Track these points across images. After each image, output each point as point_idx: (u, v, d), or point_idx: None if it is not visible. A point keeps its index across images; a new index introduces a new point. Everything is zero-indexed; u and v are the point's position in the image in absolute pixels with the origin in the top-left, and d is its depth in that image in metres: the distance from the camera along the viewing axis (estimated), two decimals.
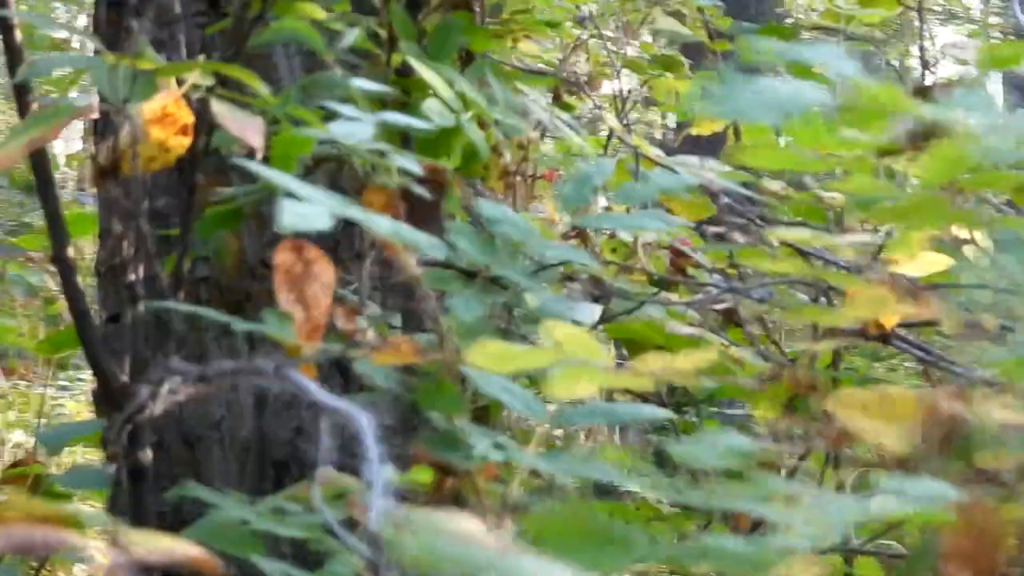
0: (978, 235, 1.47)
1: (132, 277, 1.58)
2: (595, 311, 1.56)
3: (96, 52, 1.46)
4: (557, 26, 2.97)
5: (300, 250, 1.38)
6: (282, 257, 1.38)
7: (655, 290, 1.83)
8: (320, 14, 1.62)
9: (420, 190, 1.31)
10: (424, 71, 1.61)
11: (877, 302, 1.12)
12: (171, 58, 2.26)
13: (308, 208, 1.19)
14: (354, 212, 1.22)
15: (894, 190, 1.04)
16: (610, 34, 2.87)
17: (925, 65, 3.25)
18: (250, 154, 1.51)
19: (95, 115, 1.46)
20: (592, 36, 2.94)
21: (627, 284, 1.80)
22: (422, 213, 1.32)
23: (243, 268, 2.12)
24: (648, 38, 3.01)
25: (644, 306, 1.69)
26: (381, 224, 1.23)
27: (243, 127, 1.47)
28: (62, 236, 1.62)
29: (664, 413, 1.32)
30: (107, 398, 1.60)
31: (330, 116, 1.36)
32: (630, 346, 1.79)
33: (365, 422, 1.10)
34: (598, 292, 1.64)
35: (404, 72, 1.76)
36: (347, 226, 2.12)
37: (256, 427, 2.19)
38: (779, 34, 2.89)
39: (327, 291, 1.37)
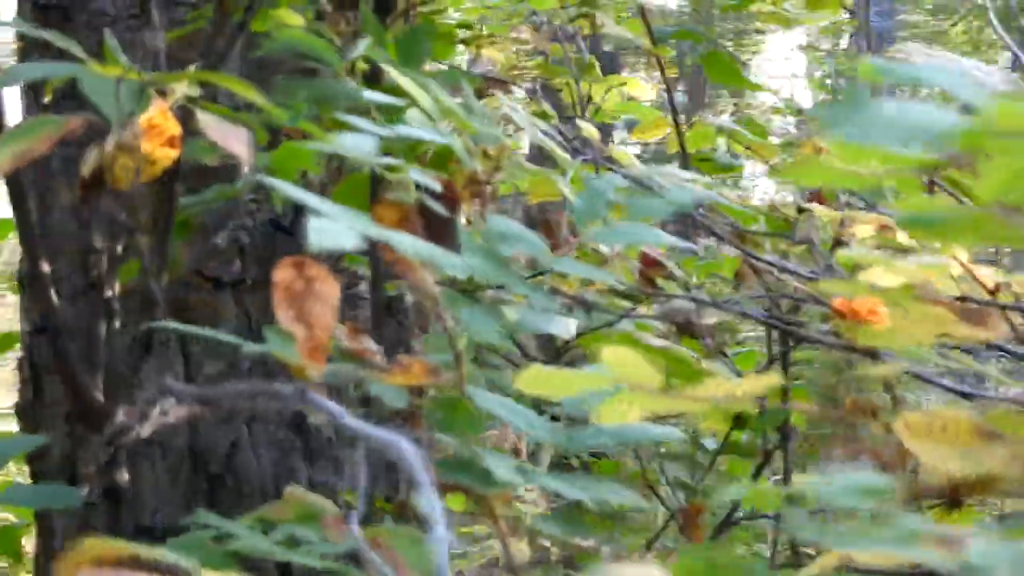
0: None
1: (109, 293, 1.52)
2: (571, 325, 1.55)
3: (79, 60, 1.41)
4: (470, 27, 2.95)
5: (301, 267, 1.34)
6: (282, 274, 1.34)
7: (626, 302, 1.82)
8: (299, 20, 1.58)
9: (436, 206, 1.28)
10: (401, 79, 1.58)
11: (935, 321, 1.12)
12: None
13: (335, 226, 1.16)
14: (378, 231, 1.18)
15: (953, 207, 1.03)
16: (527, 35, 2.85)
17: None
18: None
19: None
20: (491, 39, 2.93)
21: (595, 295, 1.78)
22: (438, 230, 1.29)
23: (178, 279, 2.07)
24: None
25: (622, 319, 1.68)
26: (404, 242, 1.19)
27: (228, 138, 1.43)
28: (36, 253, 1.56)
29: (676, 434, 1.31)
30: (83, 417, 1.54)
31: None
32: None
33: (410, 450, 1.06)
34: (575, 305, 1.62)
35: (370, 79, 1.72)
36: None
37: (190, 440, 2.14)
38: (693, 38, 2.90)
39: (331, 310, 1.33)
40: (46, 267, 1.62)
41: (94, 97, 1.32)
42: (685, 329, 1.91)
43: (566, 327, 1.50)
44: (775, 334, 1.97)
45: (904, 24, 13.28)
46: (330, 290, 1.34)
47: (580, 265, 1.33)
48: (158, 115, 1.42)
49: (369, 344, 1.33)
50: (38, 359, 2.22)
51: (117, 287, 1.54)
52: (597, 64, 3.02)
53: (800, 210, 1.83)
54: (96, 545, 0.91)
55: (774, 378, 1.03)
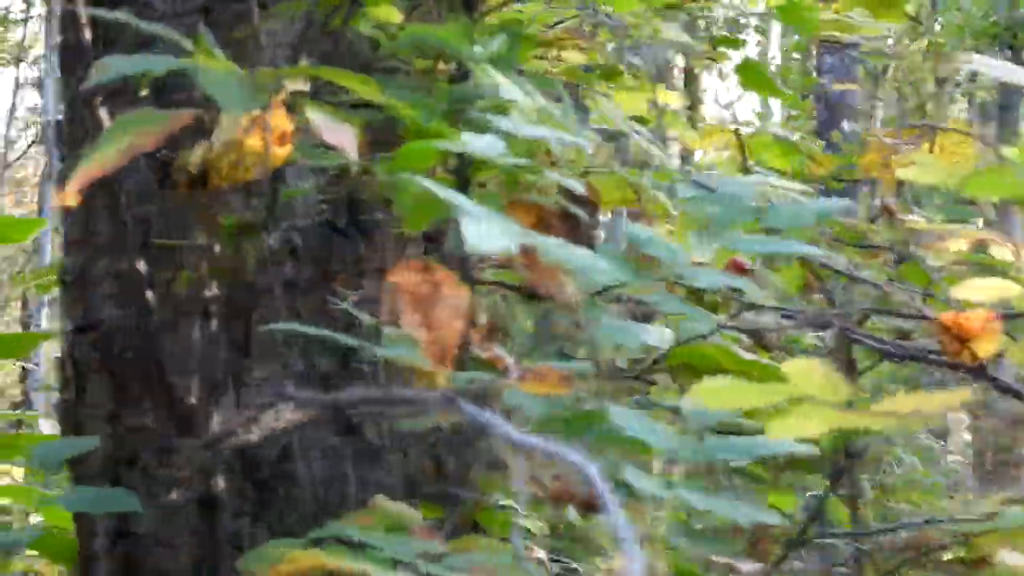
0: None
1: (207, 293, 1.47)
2: (666, 334, 1.51)
3: (185, 52, 1.36)
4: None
5: (427, 270, 1.30)
6: (406, 277, 1.30)
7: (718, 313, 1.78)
8: (397, 16, 1.53)
9: (576, 209, 1.24)
10: (502, 81, 1.53)
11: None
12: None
13: (490, 229, 1.12)
14: (528, 235, 1.14)
15: None
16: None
17: None
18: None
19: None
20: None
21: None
22: (576, 234, 1.25)
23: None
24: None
25: (716, 331, 1.64)
26: (553, 247, 1.15)
27: (336, 135, 1.38)
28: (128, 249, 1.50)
29: (806, 449, 1.27)
30: (177, 420, 1.48)
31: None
32: (686, 372, 1.72)
33: (588, 465, 1.02)
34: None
35: (455, 80, 1.68)
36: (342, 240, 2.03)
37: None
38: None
39: (458, 314, 1.29)
40: (140, 265, 1.56)
41: (213, 92, 1.27)
42: (757, 340, 1.88)
43: (661, 337, 1.47)
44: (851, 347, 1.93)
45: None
46: (458, 294, 1.30)
47: (719, 275, 1.29)
48: (265, 111, 1.38)
49: (500, 351, 1.29)
50: (80, 358, 2.17)
51: (215, 287, 1.48)
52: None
53: (886, 215, 1.80)
54: (292, 555, 0.86)
55: (965, 394, 1.00)
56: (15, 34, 15.56)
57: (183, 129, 1.38)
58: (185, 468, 1.48)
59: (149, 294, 1.83)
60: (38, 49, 15.59)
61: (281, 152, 1.37)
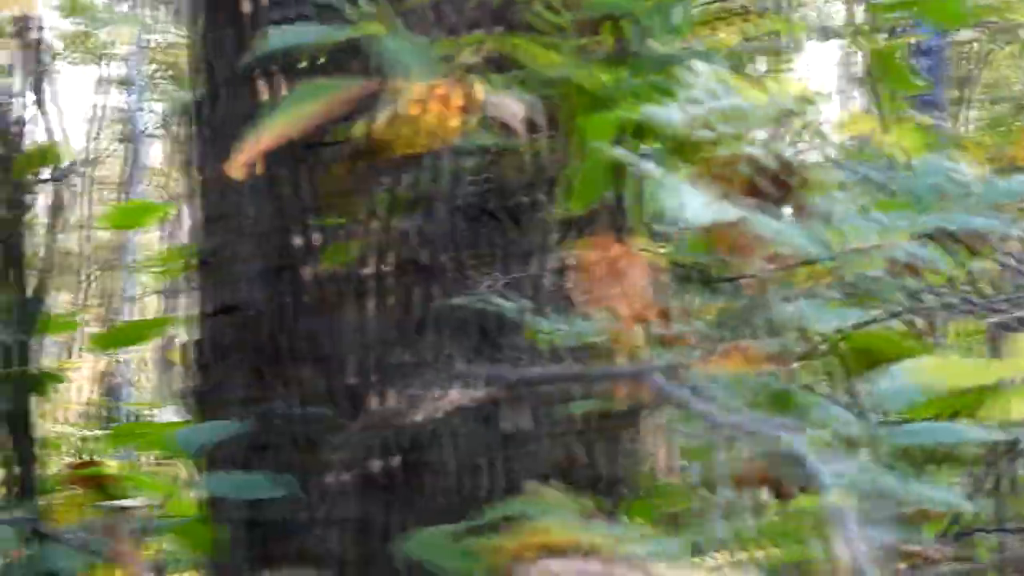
0: None
1: (368, 270, 1.43)
2: (849, 315, 1.46)
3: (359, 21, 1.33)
4: None
5: (607, 248, 1.26)
6: (586, 255, 1.26)
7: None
8: None
9: (768, 185, 1.19)
10: (679, 52, 1.49)
11: None
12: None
13: (691, 200, 1.08)
14: (734, 208, 1.10)
15: None
16: None
17: None
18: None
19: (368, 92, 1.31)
20: None
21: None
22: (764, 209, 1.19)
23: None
24: None
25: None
26: (762, 221, 1.11)
27: (507, 108, 1.35)
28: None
29: (991, 435, 1.21)
30: (341, 401, 1.45)
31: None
32: (860, 357, 1.67)
33: (805, 448, 0.97)
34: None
35: (616, 56, 1.63)
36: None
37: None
38: None
39: (639, 291, 1.25)
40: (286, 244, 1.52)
41: (398, 60, 1.23)
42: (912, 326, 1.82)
43: (841, 319, 1.42)
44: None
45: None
46: (639, 271, 1.26)
47: (918, 247, 1.23)
48: (442, 82, 1.34)
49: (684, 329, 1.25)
50: (218, 341, 2.14)
51: (373, 265, 1.44)
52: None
53: None
54: (539, 531, 0.82)
55: None
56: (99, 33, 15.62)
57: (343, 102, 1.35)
58: (337, 451, 1.44)
59: (300, 274, 1.80)
60: (120, 48, 15.67)
61: (455, 124, 1.33)
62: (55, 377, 2.03)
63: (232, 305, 2.11)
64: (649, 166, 1.09)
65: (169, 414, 3.41)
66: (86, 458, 2.29)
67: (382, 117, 1.33)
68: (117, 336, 2.44)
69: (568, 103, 1.51)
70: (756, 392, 1.22)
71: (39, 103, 1.96)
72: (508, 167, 1.85)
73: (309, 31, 1.33)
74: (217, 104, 2.21)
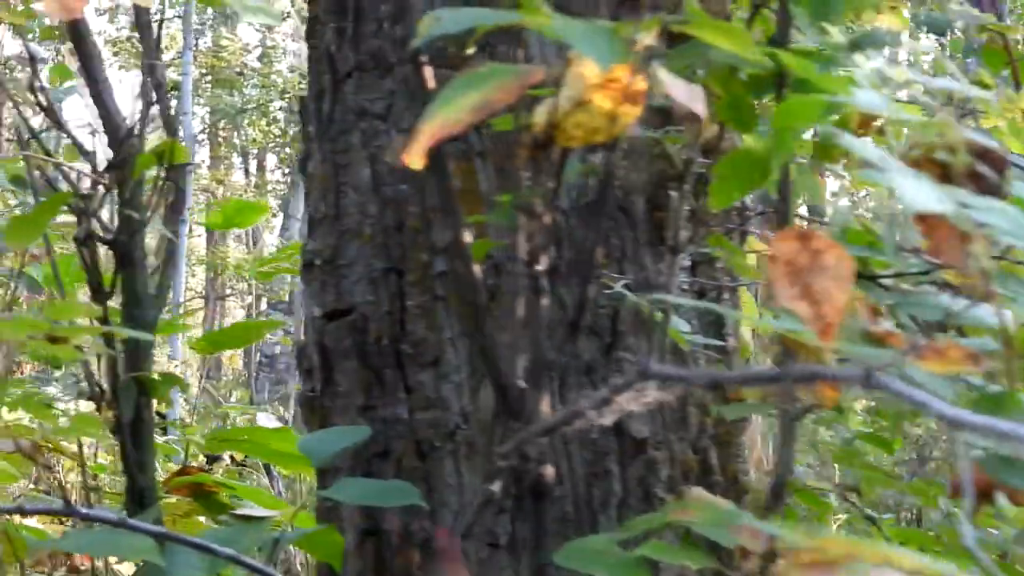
0: None
1: (539, 267, 1.36)
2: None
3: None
4: None
5: (806, 239, 1.19)
6: (784, 247, 1.19)
7: None
8: None
9: (985, 169, 1.12)
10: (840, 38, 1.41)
11: None
12: (411, 30, 2.05)
13: (924, 189, 1.00)
14: (959, 196, 1.03)
15: None
16: None
17: None
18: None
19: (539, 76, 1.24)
20: None
21: None
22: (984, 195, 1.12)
23: (486, 263, 1.91)
24: None
25: None
26: (993, 213, 1.03)
27: (686, 94, 1.28)
28: (457, 223, 1.40)
29: None
30: (506, 406, 1.38)
31: None
32: None
33: None
34: None
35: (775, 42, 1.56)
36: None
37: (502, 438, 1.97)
38: None
39: (842, 285, 1.17)
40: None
41: (579, 45, 1.16)
42: None
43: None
44: None
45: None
46: (842, 264, 1.19)
47: None
48: (622, 68, 1.27)
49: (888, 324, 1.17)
50: (331, 346, 2.07)
51: (544, 263, 1.37)
52: None
53: None
54: (831, 543, 0.75)
55: None
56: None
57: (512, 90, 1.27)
58: (504, 458, 1.37)
59: (425, 275, 1.73)
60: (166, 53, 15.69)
61: (632, 112, 1.26)
62: (173, 379, 1.97)
63: (347, 308, 2.05)
64: (873, 151, 1.02)
65: (264, 418, 3.35)
66: (191, 464, 2.22)
67: (563, 104, 1.27)
68: (220, 338, 2.37)
69: (732, 90, 1.44)
70: (970, 393, 1.15)
71: (154, 101, 1.91)
72: (655, 159, 1.79)
73: (469, 15, 1.26)
74: (323, 101, 2.15)
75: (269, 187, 20.69)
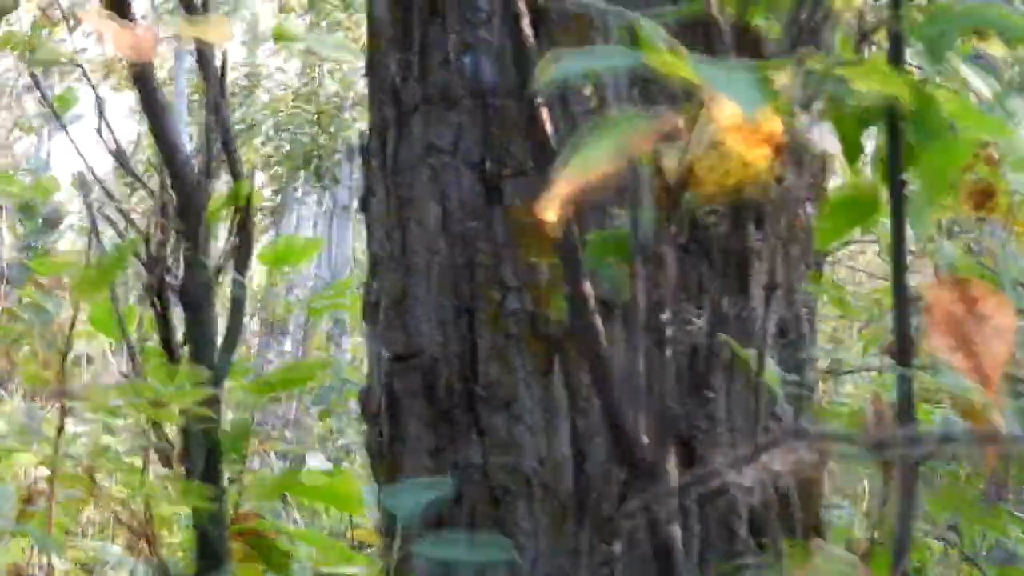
0: None
1: (664, 316, 1.30)
2: None
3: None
4: None
5: (963, 286, 1.14)
6: (939, 295, 1.14)
7: None
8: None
9: None
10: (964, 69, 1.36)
11: None
12: (479, 63, 2.00)
13: None
14: None
15: None
16: None
17: None
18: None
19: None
20: None
21: None
22: None
23: (560, 304, 1.85)
24: None
25: None
26: None
27: (819, 135, 1.23)
28: (577, 273, 1.35)
29: None
30: (633, 464, 1.32)
31: None
32: None
33: None
34: None
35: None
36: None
37: (578, 482, 1.91)
38: None
39: (1003, 337, 1.12)
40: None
41: (722, 88, 1.11)
42: None
43: None
44: None
45: None
46: (1002, 314, 1.13)
47: None
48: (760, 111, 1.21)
49: None
50: (400, 388, 2.01)
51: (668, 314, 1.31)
52: None
53: None
54: None
55: None
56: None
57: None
58: (626, 519, 1.32)
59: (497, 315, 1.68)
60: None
61: (767, 155, 1.21)
62: (244, 432, 1.91)
63: (414, 351, 1.99)
64: None
65: (314, 459, 3.28)
66: (247, 511, 2.16)
67: (697, 149, 1.22)
68: (282, 380, 2.31)
69: (840, 124, 1.39)
70: None
71: (221, 143, 1.85)
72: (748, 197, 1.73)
73: (588, 57, 1.20)
74: (386, 136, 2.09)
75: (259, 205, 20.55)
